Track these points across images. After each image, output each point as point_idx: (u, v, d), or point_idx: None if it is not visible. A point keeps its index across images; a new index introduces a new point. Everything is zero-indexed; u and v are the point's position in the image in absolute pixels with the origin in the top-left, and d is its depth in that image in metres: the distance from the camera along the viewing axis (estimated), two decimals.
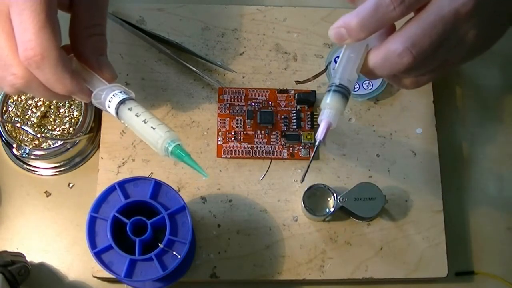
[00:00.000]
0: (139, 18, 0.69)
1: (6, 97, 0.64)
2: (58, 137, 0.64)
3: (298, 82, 0.67)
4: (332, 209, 0.62)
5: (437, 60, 0.48)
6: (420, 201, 0.64)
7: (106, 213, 0.54)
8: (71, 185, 0.66)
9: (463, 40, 0.47)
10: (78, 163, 0.67)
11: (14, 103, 0.64)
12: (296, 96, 0.66)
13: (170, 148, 0.48)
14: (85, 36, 0.52)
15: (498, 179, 0.68)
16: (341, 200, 0.61)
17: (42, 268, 0.64)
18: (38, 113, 0.64)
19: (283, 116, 0.66)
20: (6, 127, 0.64)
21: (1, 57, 0.48)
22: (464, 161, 0.69)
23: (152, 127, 0.49)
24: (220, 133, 0.65)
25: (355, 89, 0.66)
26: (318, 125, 0.51)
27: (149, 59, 0.68)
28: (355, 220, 0.64)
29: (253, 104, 0.66)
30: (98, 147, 0.65)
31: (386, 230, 0.64)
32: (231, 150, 0.65)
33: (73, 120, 0.64)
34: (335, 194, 0.62)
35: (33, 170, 0.66)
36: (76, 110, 0.64)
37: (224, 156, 0.65)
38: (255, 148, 0.65)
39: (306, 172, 0.54)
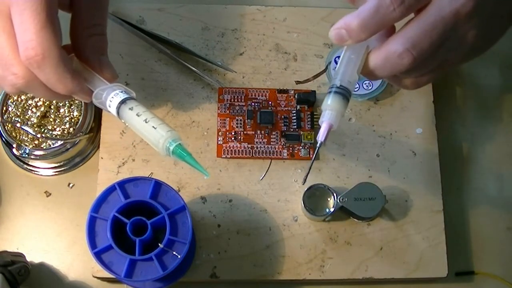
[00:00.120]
0: (139, 18, 0.69)
1: (6, 97, 0.64)
2: (58, 137, 0.64)
3: (298, 82, 0.67)
4: (332, 209, 0.62)
5: (437, 60, 0.48)
6: (420, 201, 0.64)
7: (106, 213, 0.54)
8: (71, 185, 0.66)
9: (463, 40, 0.47)
10: (78, 163, 0.67)
11: (14, 103, 0.64)
12: (296, 96, 0.66)
13: (171, 148, 0.48)
14: (85, 36, 0.52)
15: (498, 179, 0.68)
16: (341, 200, 0.61)
17: (42, 268, 0.64)
18: (38, 113, 0.64)
19: (283, 116, 0.66)
20: (6, 127, 0.64)
21: (2, 56, 0.49)
22: (464, 161, 0.69)
23: (153, 126, 0.49)
24: (220, 133, 0.65)
25: (355, 89, 0.66)
26: (318, 125, 0.51)
27: (149, 59, 0.68)
28: (355, 220, 0.64)
29: (253, 104, 0.66)
30: (98, 147, 0.65)
31: (386, 230, 0.64)
32: (231, 150, 0.65)
33: (73, 120, 0.64)
34: (335, 194, 0.62)
35: (33, 170, 0.66)
36: (76, 110, 0.64)
37: (224, 156, 0.65)
38: (255, 148, 0.65)
39: (308, 173, 0.54)
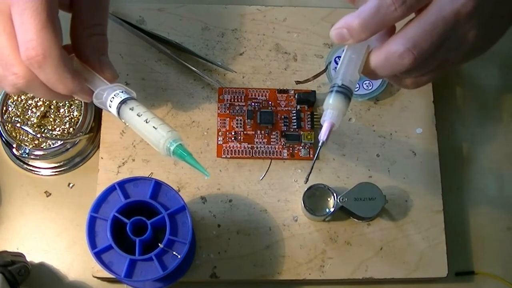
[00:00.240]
0: (139, 18, 0.69)
1: (6, 97, 0.64)
2: (58, 137, 0.64)
3: (298, 82, 0.67)
4: (332, 209, 0.62)
5: (437, 60, 0.48)
6: (420, 201, 0.64)
7: (106, 213, 0.54)
8: (71, 185, 0.66)
9: (463, 40, 0.47)
10: (78, 163, 0.67)
11: (14, 103, 0.64)
12: (296, 96, 0.66)
13: (172, 148, 0.48)
14: (86, 36, 0.52)
15: (498, 179, 0.68)
16: (341, 200, 0.61)
17: (42, 268, 0.64)
18: (38, 113, 0.64)
19: (283, 116, 0.66)
20: (6, 127, 0.64)
21: (3, 56, 0.49)
22: (464, 161, 0.69)
23: (154, 126, 0.49)
24: (220, 133, 0.65)
25: (356, 89, 0.66)
26: (319, 125, 0.51)
27: (149, 59, 0.68)
28: (355, 220, 0.64)
29: (253, 104, 0.66)
30: (98, 147, 0.65)
31: (386, 230, 0.64)
32: (231, 150, 0.65)
33: (73, 120, 0.64)
34: (335, 194, 0.62)
35: (33, 170, 0.66)
36: (76, 110, 0.64)
37: (224, 156, 0.65)
38: (255, 148, 0.65)
39: (310, 172, 0.54)
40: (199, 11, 0.69)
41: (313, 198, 0.63)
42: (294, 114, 0.66)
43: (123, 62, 0.67)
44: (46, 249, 0.64)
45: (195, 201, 0.64)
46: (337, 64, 0.67)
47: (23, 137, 0.64)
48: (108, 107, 0.51)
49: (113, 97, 0.51)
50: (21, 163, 0.66)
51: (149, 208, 0.55)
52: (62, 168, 0.66)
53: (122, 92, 0.51)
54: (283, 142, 0.65)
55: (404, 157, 0.66)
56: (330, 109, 0.50)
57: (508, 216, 0.67)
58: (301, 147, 0.65)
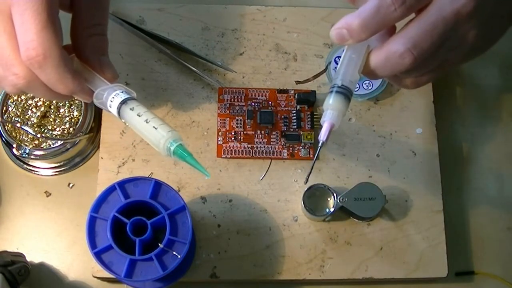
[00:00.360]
0: (139, 18, 0.69)
1: (6, 97, 0.64)
2: (58, 137, 0.64)
3: (298, 82, 0.67)
4: (332, 209, 0.62)
5: (437, 60, 0.48)
6: (420, 201, 0.64)
7: (106, 213, 0.54)
8: (71, 185, 0.66)
9: (463, 40, 0.47)
10: (78, 163, 0.67)
11: (14, 103, 0.64)
12: (296, 96, 0.66)
13: (172, 148, 0.48)
14: (86, 36, 0.52)
15: (498, 179, 0.68)
16: (341, 200, 0.61)
17: (42, 268, 0.64)
18: (38, 113, 0.64)
19: (283, 116, 0.66)
20: (6, 127, 0.64)
21: (3, 57, 0.49)
22: (464, 161, 0.69)
23: (154, 127, 0.49)
24: (220, 133, 0.65)
25: (356, 90, 0.66)
26: (319, 125, 0.51)
27: (149, 59, 0.68)
28: (355, 220, 0.64)
29: (253, 104, 0.66)
30: (98, 147, 0.65)
31: (386, 230, 0.64)
32: (231, 150, 0.65)
33: (73, 120, 0.64)
34: (335, 194, 0.62)
35: (33, 170, 0.66)
36: (76, 110, 0.64)
37: (224, 156, 0.65)
38: (255, 148, 0.65)
39: (310, 172, 0.54)
40: (199, 11, 0.69)
41: (313, 198, 0.63)
42: (294, 114, 0.66)
43: (123, 62, 0.67)
44: (46, 249, 0.64)
45: (195, 201, 0.64)
46: (337, 64, 0.67)
47: (23, 137, 0.64)
48: (109, 107, 0.51)
49: (113, 97, 0.51)
50: (21, 163, 0.66)
51: (149, 208, 0.55)
52: (62, 168, 0.66)
53: (122, 92, 0.51)
54: (283, 142, 0.65)
55: (404, 157, 0.66)
56: (330, 109, 0.50)
57: (508, 216, 0.67)
58: (301, 147, 0.65)
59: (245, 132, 0.66)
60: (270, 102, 0.67)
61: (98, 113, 0.66)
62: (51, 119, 0.64)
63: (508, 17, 0.50)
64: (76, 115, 0.64)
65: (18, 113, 0.64)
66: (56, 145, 0.63)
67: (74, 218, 0.65)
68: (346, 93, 0.49)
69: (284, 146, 0.65)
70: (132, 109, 0.50)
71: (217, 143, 0.65)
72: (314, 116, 0.66)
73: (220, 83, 0.66)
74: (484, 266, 0.65)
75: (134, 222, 0.54)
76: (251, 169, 0.65)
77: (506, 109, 0.71)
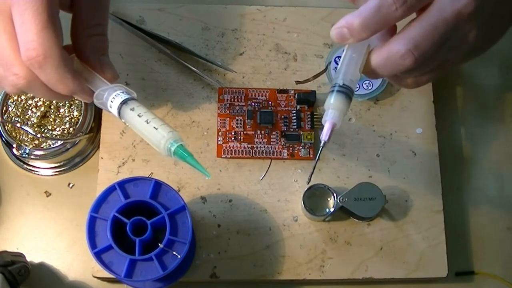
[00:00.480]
0: (139, 18, 0.69)
1: (6, 97, 0.64)
2: (58, 137, 0.64)
3: (298, 82, 0.67)
4: (332, 209, 0.62)
5: (437, 60, 0.48)
6: (420, 201, 0.64)
7: (106, 213, 0.54)
8: (71, 185, 0.66)
9: (464, 40, 0.47)
10: (78, 163, 0.67)
11: (14, 103, 0.64)
12: (296, 96, 0.66)
13: (173, 149, 0.48)
14: (86, 36, 0.52)
15: (498, 179, 0.68)
16: (341, 200, 0.61)
17: (42, 268, 0.64)
18: (38, 113, 0.64)
19: (283, 116, 0.66)
20: (6, 127, 0.64)
21: (3, 57, 0.49)
22: (464, 161, 0.69)
23: (154, 127, 0.49)
24: (220, 133, 0.65)
25: (355, 89, 0.66)
26: (319, 125, 0.51)
27: (149, 59, 0.68)
28: (355, 220, 0.64)
29: (253, 104, 0.66)
30: (98, 147, 0.65)
31: (386, 230, 0.64)
32: (231, 150, 0.65)
33: (73, 120, 0.64)
34: (335, 194, 0.62)
35: (33, 170, 0.66)
36: (76, 110, 0.64)
37: (224, 156, 0.65)
38: (255, 148, 0.65)
39: (312, 172, 0.54)
40: (199, 11, 0.69)
41: (313, 198, 0.63)
42: (294, 114, 0.66)
43: (123, 62, 0.67)
44: (46, 249, 0.64)
45: (195, 201, 0.64)
46: (337, 64, 0.67)
47: (23, 137, 0.64)
48: (109, 108, 0.51)
49: (113, 98, 0.51)
50: (21, 163, 0.66)
51: (149, 208, 0.55)
52: (62, 168, 0.66)
53: (122, 92, 0.51)
54: (283, 142, 0.65)
55: (404, 157, 0.66)
56: (331, 109, 0.50)
57: (508, 216, 0.67)
58: (301, 147, 0.65)
59: (245, 132, 0.66)
60: (270, 102, 0.67)
61: (98, 113, 0.66)
62: (51, 119, 0.64)
63: (508, 17, 0.50)
64: (76, 115, 0.64)
65: (18, 113, 0.64)
66: (56, 145, 0.63)
67: (74, 218, 0.65)
68: (347, 92, 0.49)
69: (284, 146, 0.65)
70: (132, 109, 0.50)
71: (217, 143, 0.65)
72: (314, 116, 0.66)
73: (220, 83, 0.66)
74: (484, 266, 0.65)
75: (134, 222, 0.54)
76: (251, 169, 0.65)
77: (506, 109, 0.71)
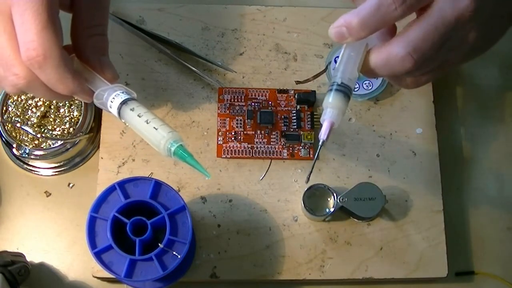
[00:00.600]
0: (139, 18, 0.69)
1: (6, 97, 0.64)
2: (58, 137, 0.64)
3: (298, 82, 0.67)
4: (332, 209, 0.62)
5: (437, 61, 0.48)
6: (420, 201, 0.64)
7: (106, 213, 0.54)
8: (71, 185, 0.66)
9: (464, 40, 0.47)
10: (78, 163, 0.67)
11: (14, 103, 0.64)
12: (296, 96, 0.66)
13: (172, 149, 0.48)
14: (86, 36, 0.52)
15: (498, 179, 0.68)
16: (341, 200, 0.61)
17: (42, 268, 0.64)
18: (38, 113, 0.64)
19: (283, 116, 0.66)
20: (6, 127, 0.64)
21: (3, 57, 0.49)
22: (464, 161, 0.69)
23: (154, 127, 0.49)
24: (220, 133, 0.65)
25: (355, 89, 0.66)
26: (319, 125, 0.51)
27: (149, 59, 0.68)
28: (355, 220, 0.64)
29: (253, 104, 0.66)
30: (98, 147, 0.65)
31: (386, 230, 0.64)
32: (231, 150, 0.65)
33: (73, 120, 0.64)
34: (335, 194, 0.62)
35: (33, 170, 0.66)
36: (76, 110, 0.64)
37: (224, 156, 0.65)
38: (255, 148, 0.65)
39: (311, 172, 0.54)
40: (199, 11, 0.69)
41: (313, 198, 0.63)
42: (294, 114, 0.66)
43: (123, 62, 0.67)
44: (46, 249, 0.64)
45: (195, 201, 0.64)
46: (337, 64, 0.67)
47: (23, 137, 0.64)
48: (109, 108, 0.51)
49: (113, 98, 0.51)
50: (21, 163, 0.66)
51: (149, 208, 0.55)
52: (62, 168, 0.66)
53: (122, 92, 0.51)
54: (283, 142, 0.65)
55: (404, 157, 0.66)
56: (330, 107, 0.50)
57: (508, 216, 0.67)
58: (301, 147, 0.65)
59: (245, 132, 0.66)
60: (270, 102, 0.67)
61: (98, 113, 0.66)
62: (51, 119, 0.64)
63: (508, 17, 0.50)
64: (76, 115, 0.64)
65: (18, 113, 0.64)
66: (56, 145, 0.63)
67: (74, 218, 0.65)
68: (345, 91, 0.49)
69: (284, 146, 0.65)
70: (132, 109, 0.50)
71: (217, 143, 0.65)
72: (314, 116, 0.66)
73: (220, 83, 0.66)
74: (484, 266, 0.65)
75: (134, 222, 0.54)
76: (251, 169, 0.65)
77: (506, 109, 0.71)
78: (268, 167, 0.65)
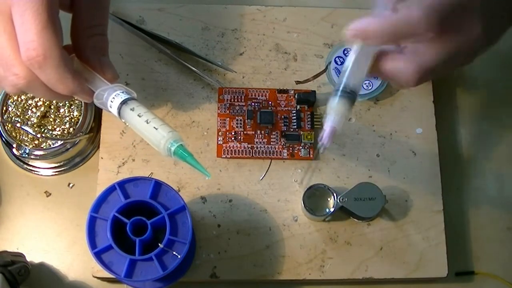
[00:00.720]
0: (139, 18, 0.69)
1: (6, 97, 0.64)
2: (58, 137, 0.64)
3: (298, 82, 0.67)
4: (332, 209, 0.62)
5: (441, 73, 0.49)
6: (420, 201, 0.64)
7: (106, 213, 0.54)
8: (71, 185, 0.66)
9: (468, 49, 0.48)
10: (78, 163, 0.67)
11: (14, 103, 0.64)
12: (296, 96, 0.66)
13: (173, 149, 0.48)
14: (86, 36, 0.52)
15: (498, 179, 0.68)
16: (341, 200, 0.61)
17: (42, 268, 0.64)
18: (38, 113, 0.64)
19: (283, 116, 0.66)
20: (6, 127, 0.64)
21: (3, 57, 0.49)
22: (464, 161, 0.69)
23: (154, 127, 0.49)
24: (220, 133, 0.65)
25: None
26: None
27: (149, 59, 0.68)
28: (355, 220, 0.64)
29: (253, 104, 0.66)
30: (98, 147, 0.65)
31: (386, 230, 0.64)
32: (231, 150, 0.65)
33: (73, 120, 0.64)
34: (335, 194, 0.62)
35: (33, 170, 0.66)
36: (76, 110, 0.64)
37: (224, 156, 0.65)
38: (255, 148, 0.65)
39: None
40: (199, 11, 0.69)
41: (313, 198, 0.63)
42: (294, 114, 0.66)
43: (123, 62, 0.67)
44: (46, 249, 0.64)
45: (195, 201, 0.64)
46: (337, 64, 0.67)
47: (23, 137, 0.64)
48: (109, 108, 0.51)
49: (113, 98, 0.51)
50: (21, 163, 0.66)
51: (149, 208, 0.55)
52: (62, 168, 0.66)
53: (122, 92, 0.51)
54: (283, 142, 0.65)
55: (404, 157, 0.66)
56: (334, 113, 0.50)
57: (508, 216, 0.67)
58: (301, 147, 0.65)
59: (245, 132, 0.66)
60: (270, 102, 0.67)
61: (98, 113, 0.66)
62: (51, 119, 0.64)
63: (508, 17, 0.50)
64: (76, 115, 0.64)
65: (18, 113, 0.64)
66: (56, 145, 0.63)
67: (74, 218, 0.65)
68: (351, 97, 0.49)
69: (284, 146, 0.65)
70: (132, 109, 0.50)
71: (217, 143, 0.65)
72: (314, 116, 0.66)
73: (220, 83, 0.66)
74: (484, 266, 0.65)
75: (134, 222, 0.54)
76: (251, 169, 0.65)
77: (506, 109, 0.71)
78: (268, 167, 0.65)
